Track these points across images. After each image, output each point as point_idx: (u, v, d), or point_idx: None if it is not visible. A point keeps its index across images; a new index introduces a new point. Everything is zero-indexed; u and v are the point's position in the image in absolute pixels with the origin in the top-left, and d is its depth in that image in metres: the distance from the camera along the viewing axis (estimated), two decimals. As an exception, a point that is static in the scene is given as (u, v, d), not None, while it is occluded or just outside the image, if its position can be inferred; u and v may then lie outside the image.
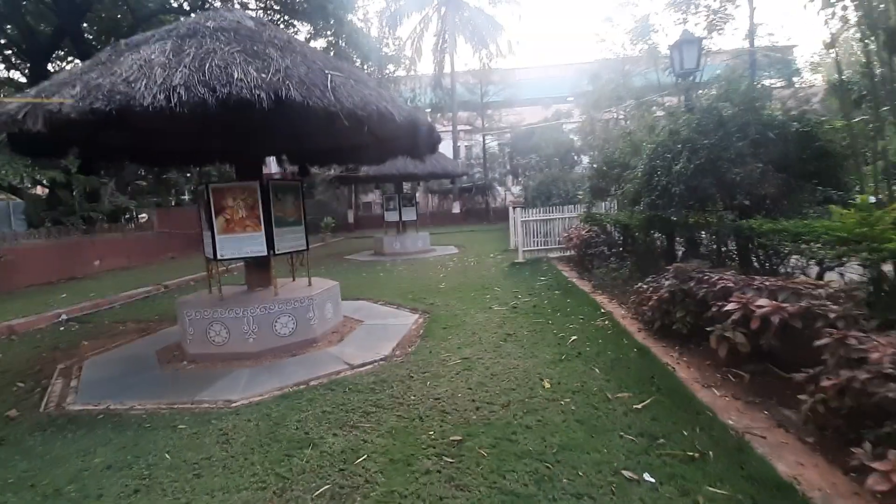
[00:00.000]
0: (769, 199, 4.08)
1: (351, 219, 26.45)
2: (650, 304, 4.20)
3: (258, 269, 5.43)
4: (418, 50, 26.23)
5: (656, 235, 6.63)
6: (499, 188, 30.36)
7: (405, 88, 26.93)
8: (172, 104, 3.19)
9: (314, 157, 7.14)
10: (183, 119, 3.36)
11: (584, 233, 7.71)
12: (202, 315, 4.80)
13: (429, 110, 27.40)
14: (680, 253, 6.37)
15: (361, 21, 21.19)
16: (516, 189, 29.49)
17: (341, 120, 3.77)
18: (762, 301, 2.88)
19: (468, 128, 28.78)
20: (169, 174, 16.42)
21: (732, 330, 3.14)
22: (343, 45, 17.43)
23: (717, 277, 3.58)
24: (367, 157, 7.01)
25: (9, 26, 15.25)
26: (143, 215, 16.57)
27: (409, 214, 14.63)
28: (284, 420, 3.31)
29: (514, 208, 12.73)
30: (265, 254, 5.07)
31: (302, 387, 3.98)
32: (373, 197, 29.35)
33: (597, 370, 3.77)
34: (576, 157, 21.29)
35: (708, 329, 3.44)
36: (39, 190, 16.29)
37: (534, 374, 3.79)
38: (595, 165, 8.54)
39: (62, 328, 7.05)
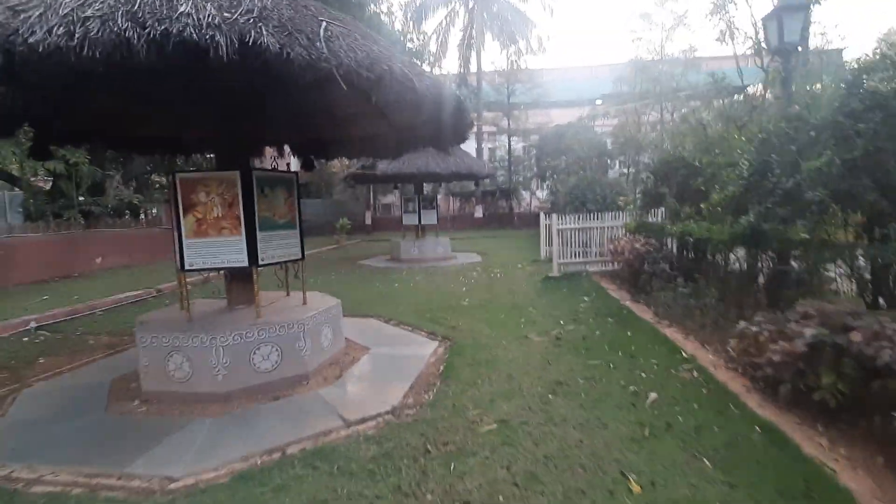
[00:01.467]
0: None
1: (368, 220, 25.46)
2: (773, 357, 2.92)
3: (239, 283, 4.33)
4: (443, 45, 25.14)
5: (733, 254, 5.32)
6: (523, 192, 29.02)
7: (429, 86, 25.80)
8: (76, 43, 2.09)
9: (319, 147, 6.05)
10: (101, 71, 2.25)
11: (638, 246, 6.42)
12: (161, 342, 3.71)
13: (453, 109, 26.21)
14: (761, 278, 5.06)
15: (385, 14, 20.28)
16: (542, 193, 28.19)
17: (337, 82, 2.62)
18: None
19: (493, 129, 27.51)
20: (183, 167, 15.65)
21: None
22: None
23: (913, 333, 2.30)
24: (381, 148, 5.87)
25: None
26: (154, 211, 15.85)
27: (430, 218, 13.46)
28: (231, 533, 2.15)
29: (546, 215, 11.48)
30: (245, 265, 3.96)
31: (275, 456, 2.84)
32: (392, 198, 28.34)
33: (706, 461, 2.51)
34: (609, 162, 19.88)
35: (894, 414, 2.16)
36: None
37: (609, 463, 2.55)
38: (650, 167, 7.22)
39: (26, 339, 6.09)
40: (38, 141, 4.46)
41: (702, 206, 4.85)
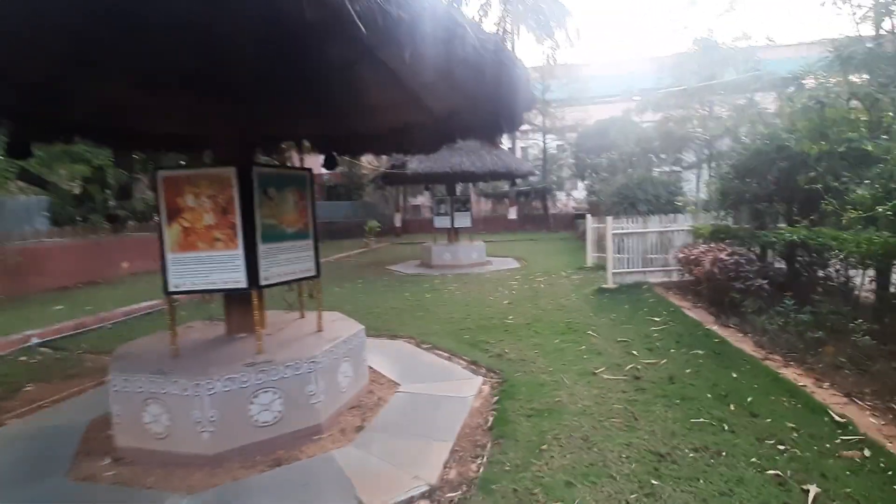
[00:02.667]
0: None
1: (398, 222, 24.77)
2: None
3: (239, 307, 3.50)
4: (476, 41, 24.08)
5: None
6: (557, 193, 27.69)
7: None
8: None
9: (343, 141, 5.20)
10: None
11: (723, 256, 5.26)
12: (134, 386, 2.91)
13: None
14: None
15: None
16: (579, 194, 26.76)
17: (354, 23, 1.71)
18: None
19: (528, 127, 26.29)
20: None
21: None
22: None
23: None
24: (416, 142, 4.96)
25: None
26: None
27: (463, 220, 12.52)
28: None
29: (595, 217, 10.38)
30: (244, 286, 3.13)
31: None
32: (422, 199, 27.56)
33: None
34: (654, 159, 18.42)
35: None
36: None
37: None
38: (733, 159, 6.03)
39: (24, 357, 5.52)
40: (16, 137, 3.78)
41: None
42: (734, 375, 3.67)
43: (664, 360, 4.16)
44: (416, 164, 11.39)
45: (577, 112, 25.97)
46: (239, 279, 3.11)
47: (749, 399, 3.24)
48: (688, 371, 3.87)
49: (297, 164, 5.25)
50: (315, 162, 5.89)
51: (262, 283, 3.17)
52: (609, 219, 7.76)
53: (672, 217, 8.22)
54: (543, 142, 26.30)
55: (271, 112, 3.62)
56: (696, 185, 16.56)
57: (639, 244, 7.92)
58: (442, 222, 12.53)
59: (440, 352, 4.92)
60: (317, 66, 2.83)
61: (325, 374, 3.21)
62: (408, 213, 27.28)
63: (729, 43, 15.98)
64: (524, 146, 29.51)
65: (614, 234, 7.69)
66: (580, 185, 25.81)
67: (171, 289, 3.13)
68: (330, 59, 2.42)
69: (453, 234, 12.45)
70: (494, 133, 3.82)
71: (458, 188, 16.52)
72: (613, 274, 7.65)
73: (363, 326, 3.90)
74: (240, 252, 3.09)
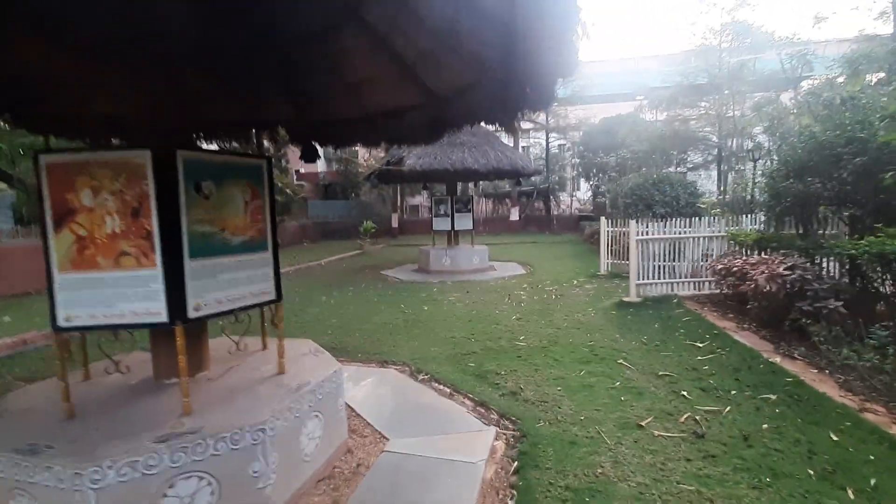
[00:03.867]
0: None
1: (395, 223, 23.82)
2: None
3: (169, 342, 2.57)
4: (478, 35, 23.17)
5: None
6: (560, 194, 26.83)
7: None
8: None
9: (325, 129, 4.29)
10: None
11: (781, 269, 4.36)
12: (-7, 469, 1.99)
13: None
14: None
15: None
16: (583, 194, 25.88)
17: None
18: None
19: (530, 125, 25.38)
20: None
21: None
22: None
23: None
24: (411, 130, 4.04)
25: None
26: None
27: (464, 222, 11.60)
28: None
29: (610, 220, 9.51)
30: (163, 320, 2.21)
31: None
32: (420, 199, 26.63)
33: None
34: (670, 158, 17.59)
35: None
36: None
37: None
38: (786, 154, 5.12)
39: (-60, 385, 4.58)
40: None
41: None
42: (833, 437, 2.76)
43: (728, 409, 3.24)
44: (413, 160, 10.48)
45: (580, 111, 25.11)
46: (156, 309, 2.19)
47: (872, 481, 2.33)
48: (765, 426, 2.96)
49: (255, 152, 4.28)
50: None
51: (192, 314, 2.25)
52: (632, 223, 6.85)
53: (697, 220, 7.34)
54: (546, 141, 25.39)
55: (212, 82, 2.69)
56: (714, 186, 15.70)
57: (665, 251, 7.03)
58: (441, 224, 11.60)
59: (440, 385, 4.02)
60: (280, 29, 1.92)
61: (281, 442, 2.29)
62: (405, 213, 26.37)
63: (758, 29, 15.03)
64: (525, 145, 28.62)
65: (639, 241, 6.78)
66: (584, 185, 25.00)
67: (62, 323, 2.20)
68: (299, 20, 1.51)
69: (454, 237, 11.54)
70: (515, 112, 2.90)
71: (459, 187, 15.60)
72: (637, 286, 6.74)
73: (340, 366, 2.97)
74: (158, 271, 2.17)
